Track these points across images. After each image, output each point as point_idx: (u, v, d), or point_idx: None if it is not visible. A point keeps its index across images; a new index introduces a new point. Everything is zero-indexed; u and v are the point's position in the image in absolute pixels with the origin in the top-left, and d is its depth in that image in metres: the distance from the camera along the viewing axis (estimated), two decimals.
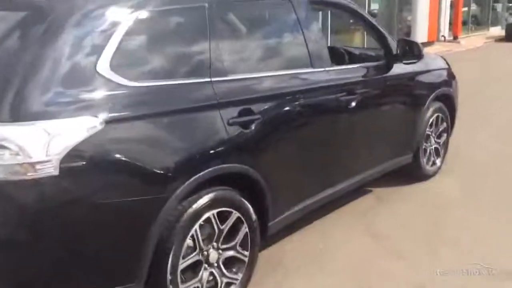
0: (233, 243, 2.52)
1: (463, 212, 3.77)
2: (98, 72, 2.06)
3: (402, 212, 3.80)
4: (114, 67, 2.09)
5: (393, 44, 3.77)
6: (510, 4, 25.32)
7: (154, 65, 2.32)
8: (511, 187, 4.26)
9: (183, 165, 2.23)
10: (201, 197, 2.32)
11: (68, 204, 1.94)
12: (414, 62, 3.79)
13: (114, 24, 2.16)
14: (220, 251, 2.47)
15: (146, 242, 2.13)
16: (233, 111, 2.47)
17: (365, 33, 13.29)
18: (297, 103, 2.89)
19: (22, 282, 1.96)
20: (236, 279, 2.57)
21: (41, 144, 1.85)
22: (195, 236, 2.32)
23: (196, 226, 2.31)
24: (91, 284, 2.09)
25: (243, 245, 2.57)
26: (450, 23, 18.10)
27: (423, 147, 4.24)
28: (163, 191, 2.16)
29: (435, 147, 4.43)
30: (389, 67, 3.71)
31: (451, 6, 17.97)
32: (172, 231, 2.22)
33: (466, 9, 20.10)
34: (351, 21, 13.50)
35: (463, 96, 4.93)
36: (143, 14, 2.27)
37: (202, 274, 2.40)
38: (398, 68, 3.77)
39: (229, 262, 2.53)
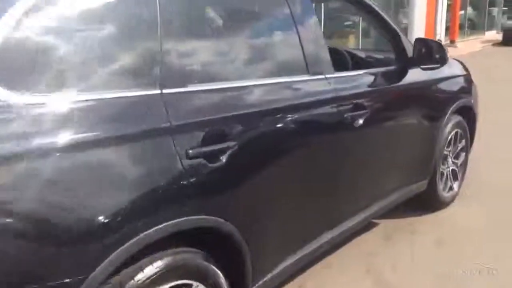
0: None
1: (489, 250, 3.02)
2: None
3: (414, 253, 3.04)
4: None
5: (408, 45, 3.03)
6: (506, 8, 25.03)
7: (65, 70, 1.48)
8: None
9: (107, 228, 1.42)
10: (142, 268, 1.55)
11: None
12: (436, 68, 3.04)
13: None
14: None
15: None
16: (195, 138, 1.70)
17: (360, 35, 12.78)
18: (287, 122, 2.12)
19: None
20: None
21: None
22: None
23: None
24: None
25: None
26: (447, 27, 17.65)
27: (440, 170, 3.51)
28: (70, 273, 1.36)
29: (452, 169, 3.69)
30: (403, 74, 2.96)
31: (448, 9, 17.54)
32: None
33: (462, 12, 19.67)
34: (345, 22, 13.02)
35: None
36: None
37: None
38: (414, 75, 3.02)
39: None
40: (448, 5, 17.60)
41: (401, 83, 2.94)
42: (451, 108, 3.41)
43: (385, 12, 3.02)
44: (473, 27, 21.96)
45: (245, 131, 1.89)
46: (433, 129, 3.28)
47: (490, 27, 23.29)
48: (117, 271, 1.47)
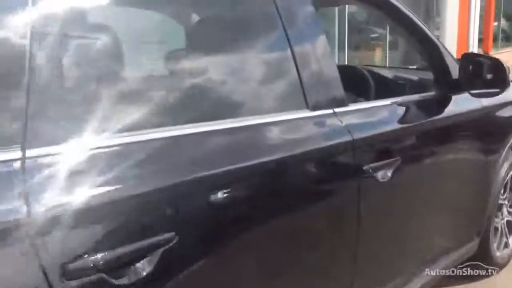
0: None
1: None
2: None
3: None
4: None
5: (452, 62, 2.23)
6: None
7: None
8: None
9: None
10: None
11: None
12: (492, 95, 2.23)
13: None
14: None
15: None
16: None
17: (387, 48, 11.91)
18: (271, 183, 1.38)
19: None
20: None
21: None
22: None
23: None
24: None
25: None
26: (479, 39, 16.72)
27: (494, 224, 2.68)
28: None
29: (507, 221, 2.86)
30: (445, 103, 2.17)
31: (480, 19, 16.64)
32: None
33: (496, 24, 18.74)
34: (372, 34, 12.20)
35: None
36: None
37: None
38: (460, 104, 2.23)
39: None
40: (480, 16, 16.70)
41: (443, 115, 2.13)
42: (509, 143, 2.59)
43: (421, 20, 2.24)
44: (507, 39, 21.02)
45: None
46: (485, 174, 2.45)
47: None
48: None
